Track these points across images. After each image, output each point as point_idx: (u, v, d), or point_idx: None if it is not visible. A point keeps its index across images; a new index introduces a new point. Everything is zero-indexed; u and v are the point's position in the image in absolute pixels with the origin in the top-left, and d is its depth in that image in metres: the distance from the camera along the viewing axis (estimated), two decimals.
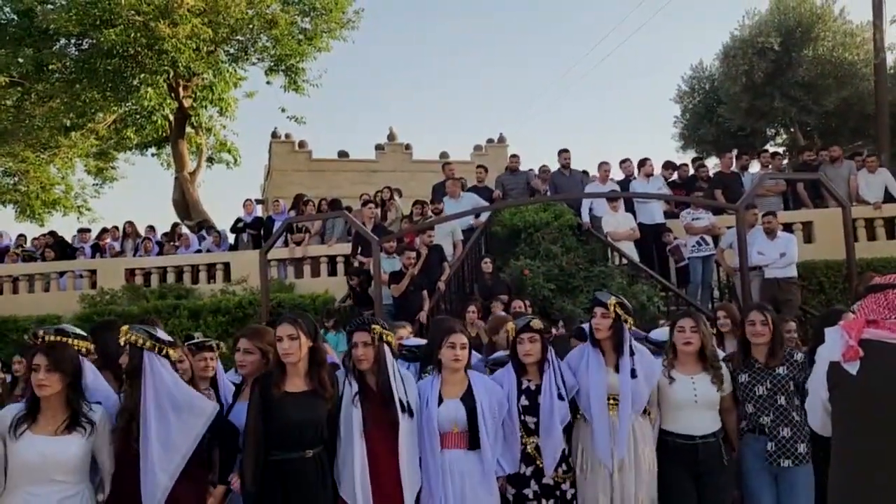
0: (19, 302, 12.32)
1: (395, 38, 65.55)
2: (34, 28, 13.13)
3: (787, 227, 11.06)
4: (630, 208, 11.27)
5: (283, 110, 15.85)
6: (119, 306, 11.52)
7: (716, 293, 10.54)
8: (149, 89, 12.86)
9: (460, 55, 71.29)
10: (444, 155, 23.59)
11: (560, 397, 4.05)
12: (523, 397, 4.10)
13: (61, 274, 12.86)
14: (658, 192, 11.11)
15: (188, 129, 15.99)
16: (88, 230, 14.37)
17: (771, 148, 17.43)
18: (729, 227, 10.21)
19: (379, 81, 64.03)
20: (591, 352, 4.21)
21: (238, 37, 14.48)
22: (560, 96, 72.47)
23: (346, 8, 15.17)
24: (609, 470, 4.01)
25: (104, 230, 14.42)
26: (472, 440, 3.89)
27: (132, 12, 12.05)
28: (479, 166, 12.78)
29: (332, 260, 12.21)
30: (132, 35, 11.99)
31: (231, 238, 13.43)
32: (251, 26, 13.95)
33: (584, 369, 4.19)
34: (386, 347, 3.86)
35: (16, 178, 21.31)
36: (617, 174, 12.25)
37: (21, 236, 14.47)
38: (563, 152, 11.94)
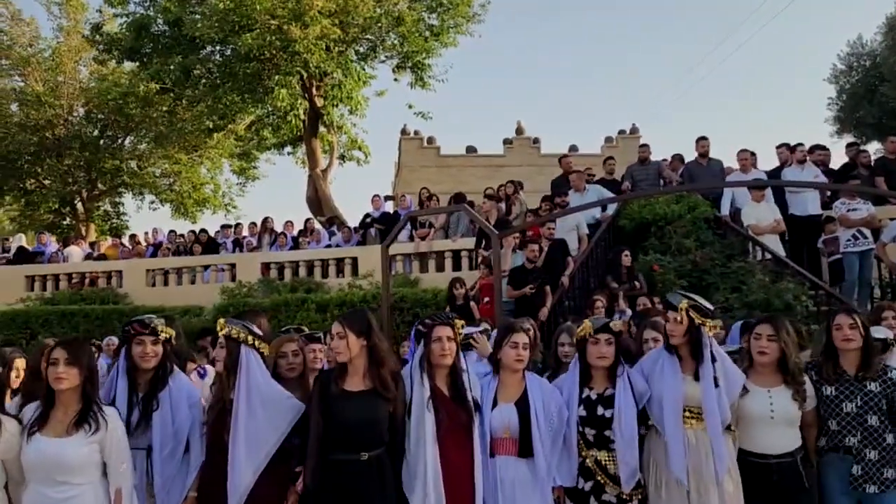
0: (169, 293, 13.23)
1: (522, 31, 64.93)
2: (182, 37, 14.05)
3: None
4: (780, 199, 10.35)
5: (410, 107, 16.05)
6: (254, 298, 12.07)
7: (876, 292, 9.44)
8: (282, 90, 13.38)
9: (590, 47, 69.64)
10: (573, 148, 23.01)
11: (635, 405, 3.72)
12: (581, 407, 3.76)
13: (206, 268, 13.69)
14: (813, 180, 10.08)
15: (321, 129, 16.51)
16: (230, 226, 15.20)
17: None
18: (892, 219, 9.11)
19: (507, 75, 63.72)
20: (667, 357, 3.80)
21: (367, 36, 14.76)
22: (695, 86, 68.88)
23: (472, 2, 15.07)
24: (686, 488, 3.59)
25: (237, 225, 15.24)
26: (524, 447, 3.62)
27: (267, 17, 12.57)
28: (607, 158, 12.23)
29: (456, 254, 12.17)
30: (267, 39, 12.51)
31: (360, 233, 13.73)
32: (379, 25, 14.17)
33: (658, 376, 3.78)
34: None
35: (171, 180, 23.10)
36: (764, 164, 11.33)
37: (172, 232, 15.57)
38: (701, 140, 11.14)
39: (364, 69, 15.76)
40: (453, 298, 9.19)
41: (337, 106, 15.98)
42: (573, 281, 9.52)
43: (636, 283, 9.04)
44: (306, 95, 15.47)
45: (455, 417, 3.56)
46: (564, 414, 3.74)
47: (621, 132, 25.14)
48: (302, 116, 16.05)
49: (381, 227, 13.11)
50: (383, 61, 15.56)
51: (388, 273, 8.57)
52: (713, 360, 3.70)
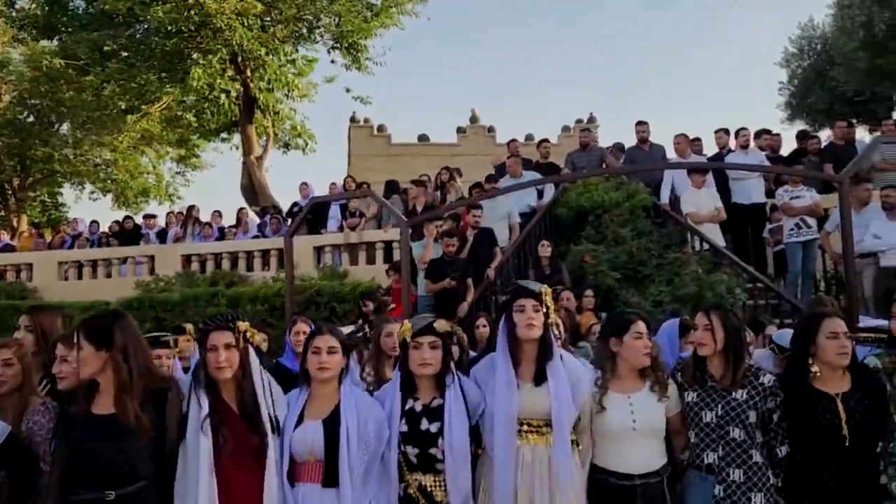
0: (81, 287, 12.31)
1: (476, 19, 63.88)
2: (101, 12, 13.07)
3: None
4: (725, 187, 9.79)
5: (347, 90, 15.29)
6: (172, 293, 11.23)
7: (821, 285, 8.92)
8: (198, 69, 12.49)
9: (547, 34, 68.85)
10: (529, 137, 22.37)
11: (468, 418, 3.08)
12: (402, 421, 3.08)
13: (124, 260, 12.80)
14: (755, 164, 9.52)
15: (257, 114, 15.65)
16: (154, 216, 14.30)
17: None
18: (836, 207, 8.56)
19: (462, 64, 62.63)
20: (501, 359, 3.14)
21: (302, 14, 13.91)
22: (652, 75, 68.72)
23: None
24: None
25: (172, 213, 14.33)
26: (329, 474, 2.94)
27: None
28: (542, 141, 11.58)
29: (388, 246, 11.44)
30: (184, 13, 11.61)
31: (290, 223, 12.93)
32: (312, 2, 13.33)
33: (491, 383, 3.14)
34: (251, 350, 3.00)
35: (109, 168, 22.01)
36: (711, 152, 10.76)
37: (94, 223, 14.61)
38: (641, 124, 10.51)
39: (297, 50, 14.93)
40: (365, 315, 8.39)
41: (272, 90, 15.13)
42: (501, 273, 8.86)
43: (559, 276, 8.45)
44: (239, 78, 14.60)
45: (242, 439, 2.88)
46: (385, 433, 3.06)
47: (578, 121, 24.57)
48: (236, 100, 15.16)
49: (309, 216, 12.33)
50: (317, 42, 14.74)
51: (291, 265, 7.86)
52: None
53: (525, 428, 3.09)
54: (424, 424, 3.05)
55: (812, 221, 8.68)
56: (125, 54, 13.28)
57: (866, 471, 3.12)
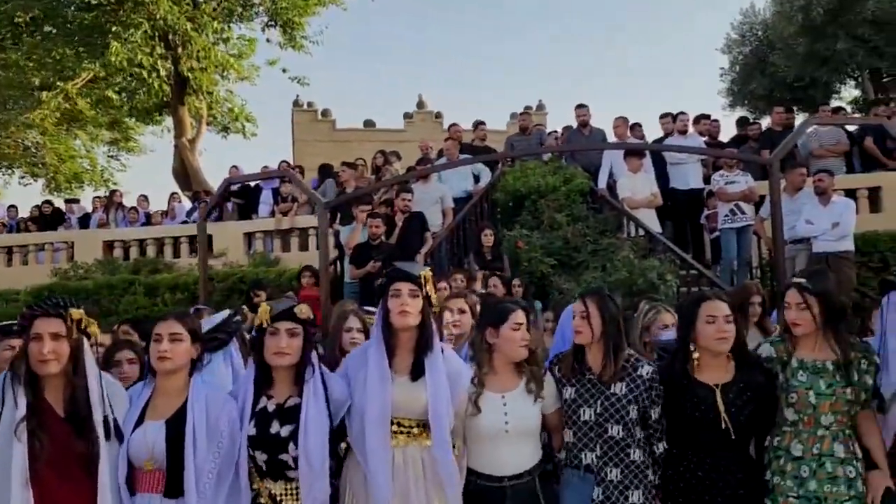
0: None
1: (425, 2, 63.12)
2: None
3: (850, 194, 9.25)
4: (662, 172, 9.63)
5: (284, 70, 14.75)
6: (91, 280, 10.61)
7: (757, 272, 8.82)
8: (116, 44, 11.80)
9: (499, 21, 68.46)
10: (478, 123, 22.04)
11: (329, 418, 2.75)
12: (252, 423, 2.73)
13: (43, 247, 12.09)
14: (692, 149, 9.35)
15: (190, 95, 14.98)
16: (77, 200, 13.59)
17: (835, 103, 15.06)
18: None
19: (410, 49, 61.85)
20: (374, 349, 2.83)
21: None
22: (602, 63, 68.88)
23: None
24: None
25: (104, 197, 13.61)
26: (173, 483, 2.57)
27: None
28: (478, 123, 11.28)
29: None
30: None
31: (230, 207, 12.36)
32: None
33: (362, 378, 2.81)
34: (85, 341, 2.60)
35: (39, 152, 20.94)
36: (653, 138, 10.59)
37: (12, 207, 13.80)
38: (581, 107, 10.29)
39: (229, 27, 14.30)
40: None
41: (205, 70, 14.47)
42: (432, 259, 8.53)
43: (500, 263, 8.19)
44: (168, 56, 13.91)
45: (67, 446, 2.49)
46: (238, 433, 2.70)
47: (528, 108, 24.28)
48: (167, 80, 14.45)
49: (240, 201, 11.83)
50: (252, 20, 14.14)
51: (205, 250, 7.42)
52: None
53: (395, 428, 2.79)
54: (275, 427, 2.70)
55: (747, 207, 8.55)
56: (47, 29, 12.46)
57: (749, 467, 2.91)
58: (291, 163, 14.42)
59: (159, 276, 9.74)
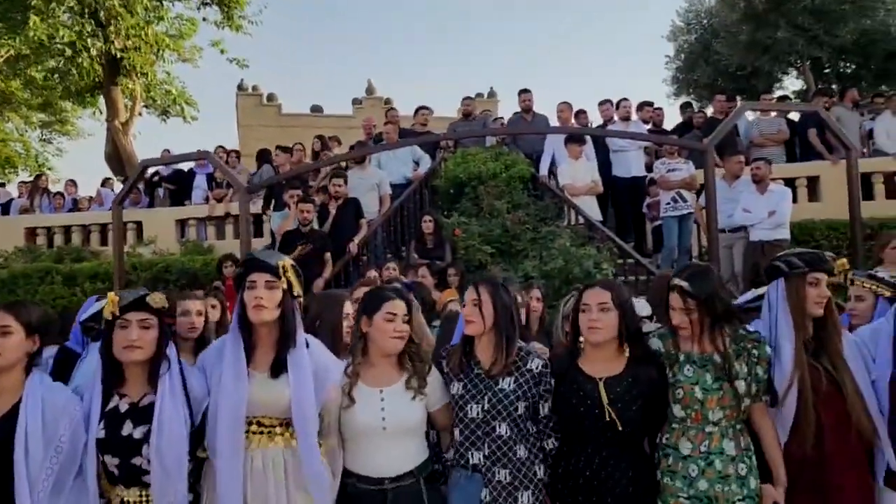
0: None
1: None
2: None
3: (790, 183, 9.25)
4: (606, 160, 9.49)
5: (222, 52, 14.18)
6: (9, 269, 10.03)
7: (697, 260, 8.75)
8: (35, 18, 11.15)
9: (449, 4, 67.97)
10: (419, 108, 21.76)
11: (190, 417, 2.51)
12: (101, 424, 2.45)
13: None
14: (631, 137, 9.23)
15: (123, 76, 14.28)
16: (3, 185, 12.87)
17: (778, 93, 15.15)
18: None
19: (361, 32, 60.84)
20: (230, 344, 2.60)
21: None
22: (552, 47, 69.02)
23: None
24: None
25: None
26: (3, 492, 2.31)
27: None
28: (420, 108, 11.00)
29: (258, 218, 10.58)
30: None
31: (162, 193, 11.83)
32: None
33: (218, 376, 2.57)
34: None
35: None
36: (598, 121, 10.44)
37: None
38: (524, 93, 10.08)
39: (162, 4, 13.65)
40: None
41: (139, 49, 13.82)
42: (367, 248, 8.25)
43: (441, 251, 7.96)
44: (100, 34, 13.22)
45: None
46: (82, 436, 2.41)
47: (479, 95, 24.08)
48: (99, 59, 13.74)
49: (172, 186, 11.34)
50: None
51: (121, 237, 6.99)
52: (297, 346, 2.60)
53: (254, 428, 2.55)
54: (127, 429, 2.43)
55: (688, 195, 8.45)
56: None
57: (641, 465, 2.74)
58: (238, 148, 13.98)
59: (79, 264, 9.22)
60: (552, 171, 9.22)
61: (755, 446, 2.75)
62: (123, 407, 2.46)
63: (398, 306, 2.69)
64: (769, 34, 13.93)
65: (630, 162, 9.49)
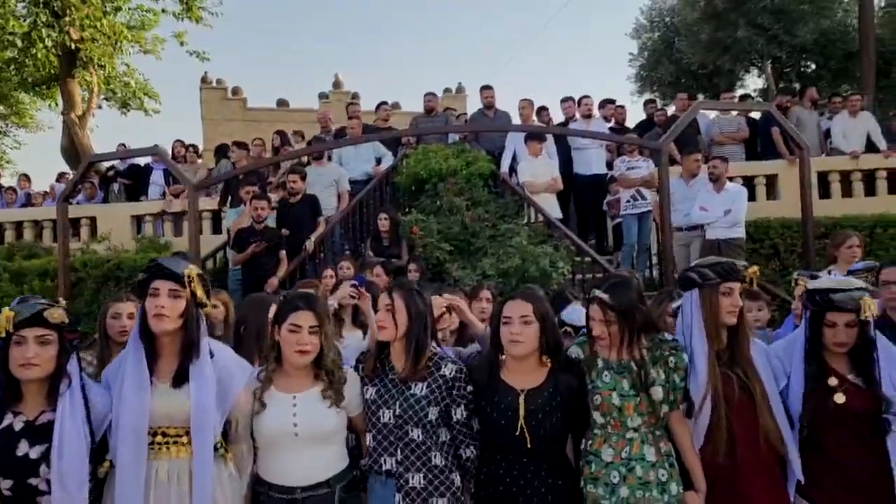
0: None
1: None
2: None
3: (749, 182, 9.32)
4: (567, 157, 9.47)
5: (182, 43, 13.87)
6: None
7: (656, 258, 8.77)
8: None
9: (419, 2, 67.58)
10: (395, 105, 21.59)
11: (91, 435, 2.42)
12: None
13: None
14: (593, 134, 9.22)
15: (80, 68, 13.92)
16: None
17: (740, 91, 15.27)
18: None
19: (329, 27, 60.16)
20: (132, 354, 2.52)
21: None
22: (526, 43, 69.19)
23: None
24: None
25: None
26: None
27: None
28: (380, 103, 10.90)
29: (216, 215, 10.39)
30: None
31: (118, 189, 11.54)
32: None
33: (119, 387, 2.50)
34: None
35: None
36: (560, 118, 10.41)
37: None
38: (486, 89, 10.03)
39: None
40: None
41: (96, 41, 13.48)
42: (324, 245, 8.13)
43: (398, 249, 7.88)
44: (55, 24, 12.85)
45: None
46: None
47: (447, 91, 24.03)
48: (55, 50, 13.37)
49: (128, 181, 11.08)
50: None
51: (65, 234, 6.79)
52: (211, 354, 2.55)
53: (158, 439, 2.48)
54: (23, 448, 2.32)
55: (648, 193, 8.46)
56: None
57: (562, 475, 2.72)
58: (202, 143, 13.68)
59: (28, 262, 8.94)
60: (513, 169, 9.19)
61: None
62: (18, 425, 2.34)
63: (303, 317, 2.61)
64: (730, 33, 14.04)
65: (591, 159, 9.50)
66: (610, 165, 9.57)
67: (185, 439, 2.48)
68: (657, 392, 2.68)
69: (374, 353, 2.84)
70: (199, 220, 10.38)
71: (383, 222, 7.83)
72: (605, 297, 2.74)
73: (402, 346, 2.74)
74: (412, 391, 2.71)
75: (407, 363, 2.71)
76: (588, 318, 2.82)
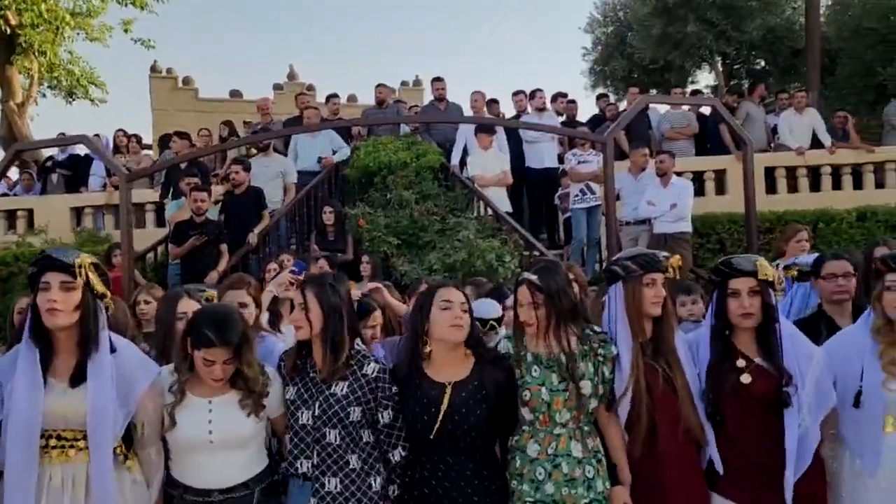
0: None
1: None
2: None
3: (698, 177, 9.40)
4: (519, 151, 9.41)
5: (126, 30, 13.46)
6: None
7: (605, 253, 8.77)
8: None
9: None
10: (351, 98, 21.37)
11: None
12: None
13: None
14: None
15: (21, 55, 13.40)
16: None
17: (691, 87, 15.41)
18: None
19: (284, 17, 59.13)
20: (24, 352, 2.37)
21: None
22: (482, 35, 69.18)
23: None
24: None
25: None
26: None
27: None
28: (330, 96, 10.71)
29: (160, 207, 10.08)
30: None
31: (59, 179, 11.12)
32: None
33: (10, 387, 2.36)
34: None
35: None
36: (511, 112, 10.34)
37: None
38: (437, 81, 9.91)
39: None
40: None
41: (37, 26, 12.98)
42: (268, 238, 7.94)
43: (343, 243, 7.74)
44: None
45: None
46: None
47: (404, 83, 23.81)
48: None
49: (67, 172, 10.70)
50: None
51: None
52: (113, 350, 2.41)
53: (53, 442, 2.33)
54: None
55: (597, 187, 8.44)
56: None
57: (489, 473, 2.64)
58: (151, 133, 13.25)
59: None
60: (464, 162, 9.09)
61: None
62: None
63: (216, 353, 2.45)
64: (680, 28, 14.16)
65: (543, 153, 9.45)
66: (562, 159, 9.54)
67: (82, 443, 2.32)
68: (586, 386, 2.63)
69: (294, 351, 2.71)
70: (142, 213, 10.18)
71: (328, 215, 7.68)
72: (533, 278, 2.70)
73: (319, 344, 2.61)
74: (332, 391, 2.58)
75: (325, 362, 2.57)
76: (516, 303, 2.77)
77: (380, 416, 2.62)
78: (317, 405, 2.58)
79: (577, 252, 8.51)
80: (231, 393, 2.52)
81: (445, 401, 2.56)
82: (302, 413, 2.60)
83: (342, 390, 2.58)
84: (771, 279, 2.75)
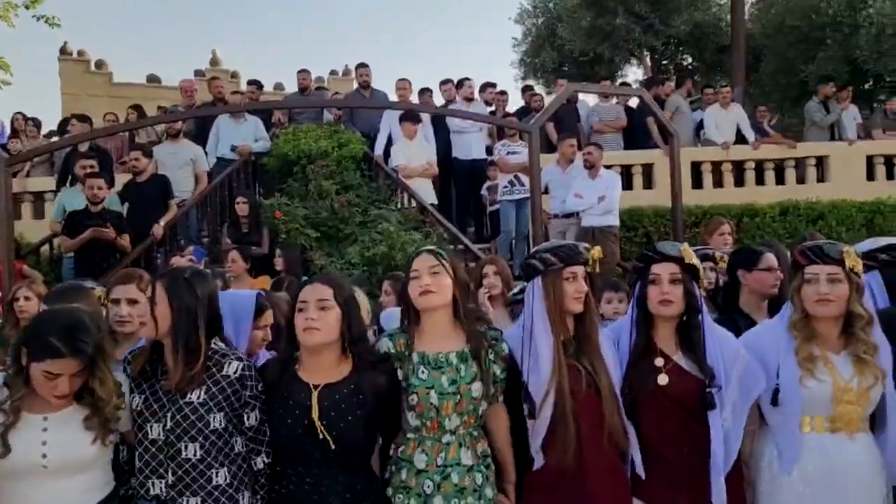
0: None
1: None
2: None
3: (627, 170, 9.31)
4: (446, 141, 9.11)
5: (27, 7, 12.48)
6: None
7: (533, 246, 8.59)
8: None
9: None
10: (278, 86, 20.68)
11: None
12: None
13: None
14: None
15: None
16: None
17: (620, 80, 15.47)
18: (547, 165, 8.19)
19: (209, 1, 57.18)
20: None
21: None
22: (414, 28, 68.90)
23: None
24: None
25: None
26: None
27: None
28: (252, 82, 10.20)
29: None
30: None
31: None
32: None
33: None
34: None
35: None
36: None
37: None
38: (361, 67, 9.53)
39: None
40: None
41: None
42: (176, 230, 7.41)
43: (258, 235, 7.29)
44: None
45: None
46: None
47: (333, 73, 23.19)
48: None
49: None
50: None
51: None
52: None
53: None
54: None
55: (526, 179, 8.21)
56: None
57: (363, 485, 2.36)
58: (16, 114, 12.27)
59: None
60: (388, 151, 8.74)
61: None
62: None
63: (62, 365, 2.06)
64: (609, 20, 14.19)
65: (471, 144, 9.18)
66: (490, 151, 9.31)
67: None
68: (476, 388, 2.40)
69: (145, 353, 2.31)
70: (42, 202, 9.44)
71: (241, 206, 7.22)
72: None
73: (170, 347, 2.25)
74: (187, 399, 2.23)
75: (177, 368, 2.21)
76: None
77: (246, 417, 2.30)
78: (169, 416, 2.22)
79: (504, 245, 8.30)
80: (73, 408, 2.13)
81: (314, 405, 2.26)
82: (151, 426, 2.23)
83: (199, 397, 2.23)
84: (697, 267, 2.59)
